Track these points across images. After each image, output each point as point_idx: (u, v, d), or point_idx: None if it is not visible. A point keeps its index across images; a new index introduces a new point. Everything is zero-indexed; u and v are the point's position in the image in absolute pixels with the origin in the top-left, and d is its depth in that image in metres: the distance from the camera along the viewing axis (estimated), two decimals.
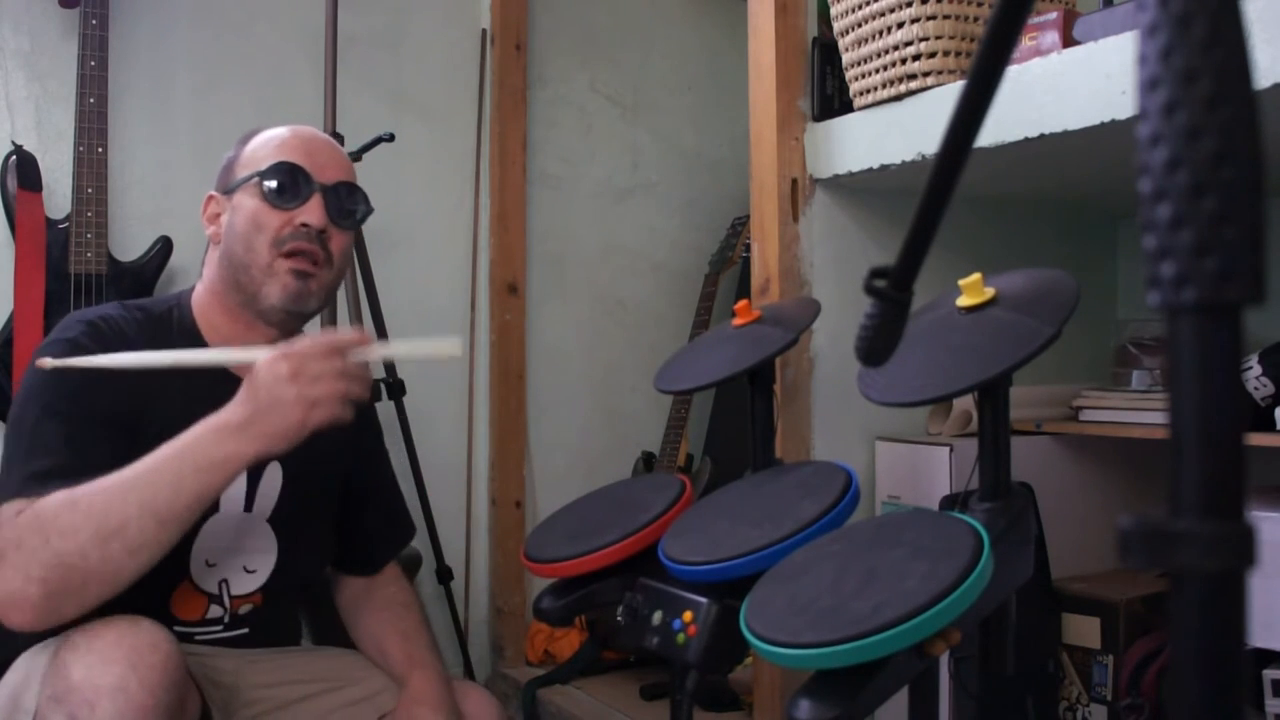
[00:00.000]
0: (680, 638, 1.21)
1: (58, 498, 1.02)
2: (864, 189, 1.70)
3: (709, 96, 2.73)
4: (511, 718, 2.14)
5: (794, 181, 1.65)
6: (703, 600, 1.21)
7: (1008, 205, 1.91)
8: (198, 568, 1.22)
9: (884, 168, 1.54)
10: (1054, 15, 1.37)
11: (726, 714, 1.94)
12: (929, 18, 1.45)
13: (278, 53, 2.20)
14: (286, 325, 1.25)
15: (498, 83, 2.41)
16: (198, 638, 1.23)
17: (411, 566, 2.09)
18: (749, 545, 1.17)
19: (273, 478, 1.27)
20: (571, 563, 1.35)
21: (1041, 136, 1.31)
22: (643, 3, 2.67)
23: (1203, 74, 0.36)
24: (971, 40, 1.47)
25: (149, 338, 1.21)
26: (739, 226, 2.48)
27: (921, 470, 1.63)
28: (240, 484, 1.24)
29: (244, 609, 1.26)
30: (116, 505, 1.00)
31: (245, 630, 1.26)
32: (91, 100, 1.86)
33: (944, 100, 1.44)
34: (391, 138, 2.04)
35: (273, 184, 1.21)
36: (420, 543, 2.05)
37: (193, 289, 1.30)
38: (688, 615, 1.22)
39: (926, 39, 1.46)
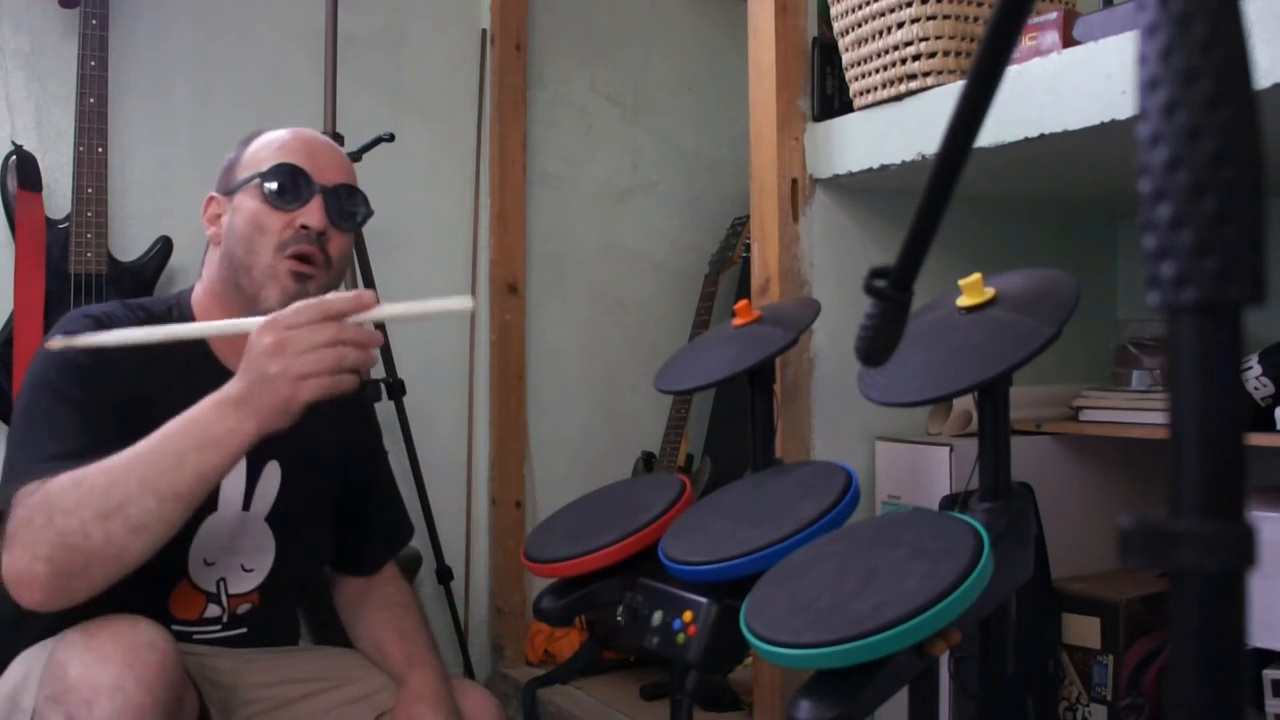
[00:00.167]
0: (680, 638, 1.21)
1: (64, 477, 1.01)
2: (864, 189, 1.70)
3: (709, 96, 2.73)
4: (511, 718, 2.14)
5: (794, 181, 1.65)
6: (703, 600, 1.21)
7: (1008, 205, 1.91)
8: (196, 567, 1.22)
9: (884, 168, 1.54)
10: (1054, 15, 1.37)
11: (726, 714, 1.94)
12: (929, 18, 1.45)
13: (278, 53, 2.20)
14: None
15: (498, 83, 2.41)
16: (196, 637, 1.23)
17: (411, 566, 2.09)
18: (749, 545, 1.17)
19: (271, 477, 1.27)
20: (571, 563, 1.35)
21: (1041, 136, 1.31)
22: (643, 3, 2.67)
23: (1203, 74, 0.36)
24: (971, 40, 1.47)
25: None
26: (739, 226, 2.48)
27: (921, 470, 1.63)
28: (239, 483, 1.24)
29: (242, 608, 1.26)
30: (118, 483, 0.99)
31: (243, 630, 1.26)
32: (91, 100, 1.86)
33: (944, 100, 1.44)
34: (391, 138, 2.04)
35: (273, 185, 1.21)
36: (420, 543, 2.05)
37: (192, 289, 1.30)
38: (688, 615, 1.22)
39: (926, 39, 1.46)
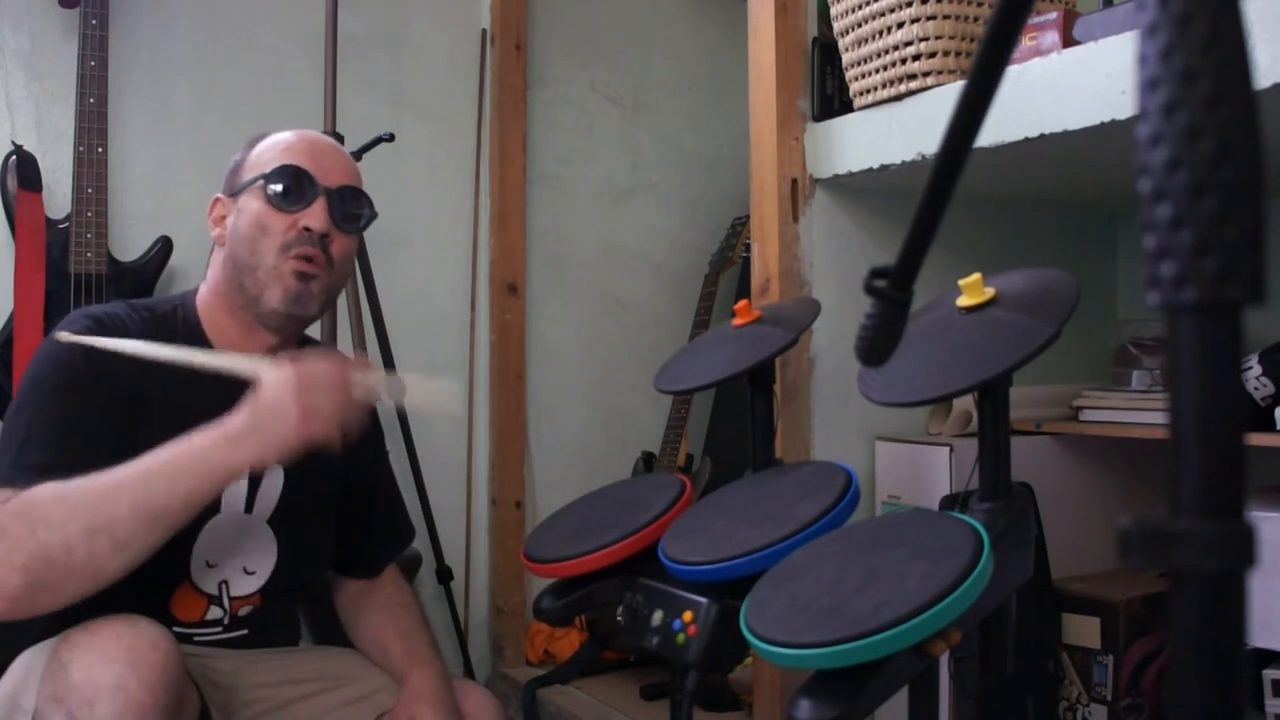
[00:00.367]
0: (680, 638, 1.21)
1: (48, 489, 1.01)
2: (864, 189, 1.70)
3: (709, 96, 2.73)
4: (511, 718, 2.14)
5: (794, 181, 1.65)
6: (703, 600, 1.21)
7: (1008, 205, 1.91)
8: (198, 569, 1.22)
9: (884, 168, 1.54)
10: (1054, 15, 1.37)
11: (726, 714, 1.94)
12: (929, 18, 1.45)
13: (278, 53, 2.20)
14: (286, 329, 1.25)
15: (498, 83, 2.41)
16: (197, 638, 1.23)
17: (411, 566, 2.09)
18: (749, 545, 1.17)
19: (273, 479, 1.27)
20: (571, 563, 1.35)
21: (1041, 136, 1.31)
22: (643, 3, 2.67)
23: (1203, 74, 0.36)
24: (971, 40, 1.47)
25: (152, 336, 1.21)
26: (739, 226, 2.48)
27: (921, 470, 1.63)
28: (241, 485, 1.24)
29: (243, 610, 1.26)
30: (108, 501, 1.00)
31: (244, 631, 1.26)
32: (91, 100, 1.85)
33: (944, 100, 1.44)
34: (391, 138, 2.04)
35: (277, 187, 1.21)
36: (420, 543, 2.05)
37: (196, 289, 1.30)
38: (688, 615, 1.22)
39: (926, 39, 1.46)
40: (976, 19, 1.48)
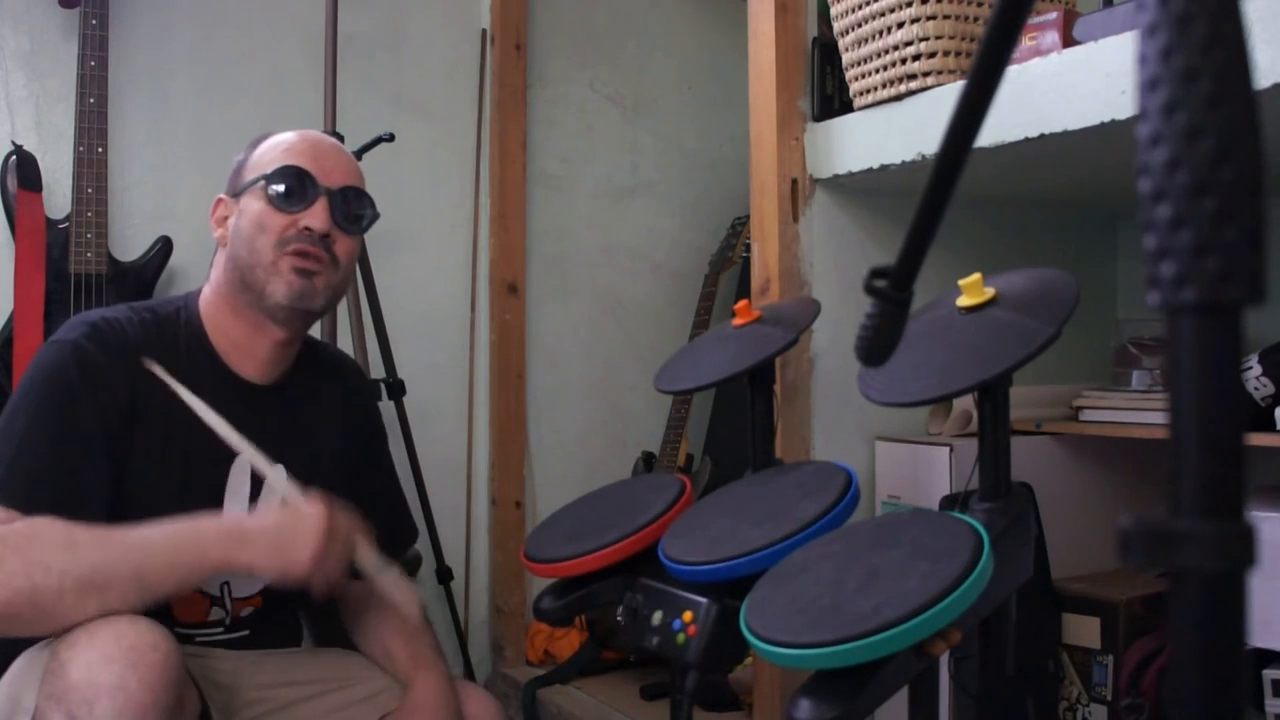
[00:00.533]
0: (680, 638, 1.21)
1: (56, 531, 1.04)
2: (864, 189, 1.70)
3: (709, 96, 2.73)
4: (512, 718, 2.14)
5: (794, 181, 1.65)
6: (703, 600, 1.21)
7: (1008, 205, 1.91)
8: None
9: (884, 168, 1.54)
10: (1054, 15, 1.37)
11: (726, 714, 1.94)
12: (929, 18, 1.45)
13: (278, 53, 2.20)
14: (293, 323, 1.25)
15: (498, 82, 2.41)
16: (198, 639, 1.23)
17: (411, 566, 2.08)
18: (749, 545, 1.17)
19: (276, 479, 1.26)
20: (571, 563, 1.35)
21: (1041, 136, 1.31)
22: (643, 3, 2.67)
23: (1203, 74, 0.36)
24: (971, 40, 1.47)
25: (154, 339, 1.21)
26: (739, 226, 2.48)
27: (921, 470, 1.63)
28: (244, 487, 1.24)
29: (245, 611, 1.26)
30: (109, 564, 1.03)
31: (246, 632, 1.26)
32: (91, 100, 1.85)
33: (944, 100, 1.44)
34: (391, 138, 2.04)
35: (279, 188, 1.21)
36: (420, 543, 2.05)
37: (200, 291, 1.30)
38: (688, 615, 1.21)
39: (926, 39, 1.46)
40: (976, 19, 1.47)
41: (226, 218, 1.26)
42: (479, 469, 2.44)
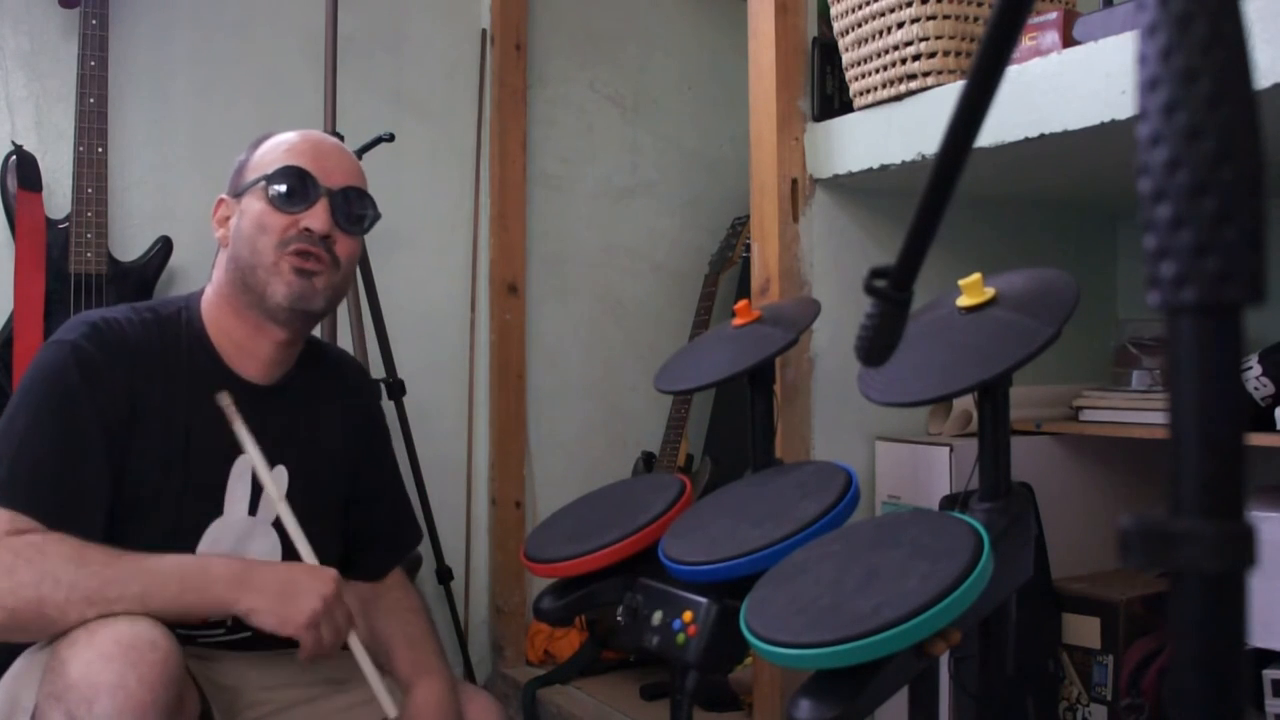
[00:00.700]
0: (680, 638, 1.21)
1: (65, 548, 1.05)
2: (864, 189, 1.70)
3: (709, 96, 2.73)
4: (512, 718, 2.14)
5: (794, 181, 1.65)
6: (703, 600, 1.21)
7: (1008, 205, 1.91)
8: None
9: (884, 168, 1.54)
10: (1054, 15, 1.37)
11: (726, 714, 1.94)
12: (929, 18, 1.45)
13: (278, 53, 2.20)
14: (294, 324, 1.24)
15: (498, 82, 2.41)
16: (200, 640, 1.23)
17: (411, 567, 2.08)
18: (749, 545, 1.17)
19: (278, 481, 1.26)
20: (571, 563, 1.35)
21: (1041, 136, 1.31)
22: (643, 3, 2.67)
23: (1203, 74, 0.36)
24: (971, 40, 1.47)
25: (155, 340, 1.21)
26: (739, 226, 2.48)
27: (921, 470, 1.63)
28: (245, 487, 1.24)
29: None
30: (118, 584, 1.04)
31: (248, 634, 1.26)
32: (91, 100, 1.85)
33: (944, 100, 1.44)
34: (391, 138, 2.04)
35: (280, 188, 1.21)
36: (420, 543, 2.05)
37: (202, 291, 1.30)
38: (688, 615, 1.21)
39: (926, 39, 1.46)
40: (976, 19, 1.47)
41: (228, 218, 1.26)
42: (479, 469, 2.44)
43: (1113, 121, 1.23)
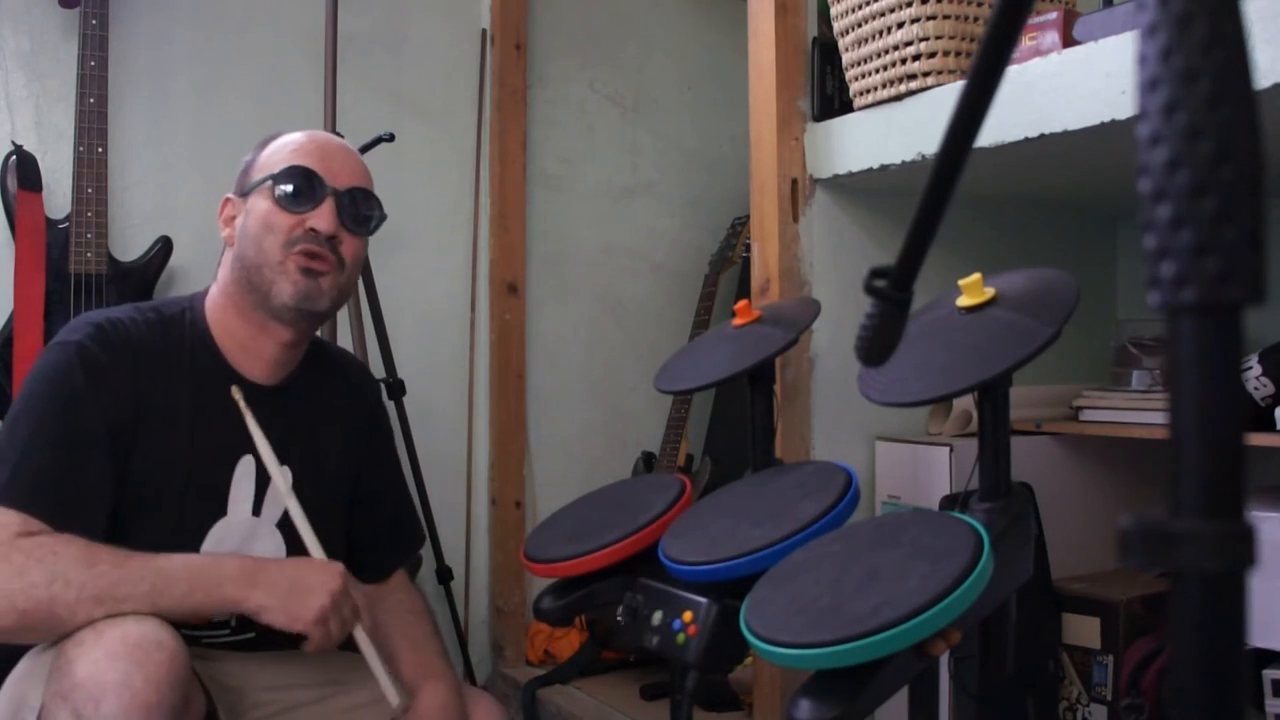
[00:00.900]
0: (680, 638, 1.21)
1: (75, 548, 1.06)
2: (864, 189, 1.70)
3: (709, 96, 2.73)
4: (512, 718, 2.14)
5: (794, 181, 1.65)
6: (703, 600, 1.21)
7: (1008, 205, 1.91)
8: None
9: (884, 168, 1.54)
10: (1054, 15, 1.37)
11: (726, 714, 1.94)
12: (929, 18, 1.45)
13: (278, 53, 2.20)
14: (299, 324, 1.24)
15: (498, 82, 2.41)
16: (205, 640, 1.23)
17: (411, 567, 2.08)
18: (749, 545, 1.17)
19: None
20: (571, 563, 1.35)
21: (1041, 136, 1.31)
22: (643, 3, 2.67)
23: (1203, 74, 0.36)
24: (971, 40, 1.47)
25: (159, 340, 1.21)
26: (739, 226, 2.48)
27: (921, 470, 1.63)
28: (249, 488, 1.24)
29: None
30: (128, 584, 1.05)
31: (252, 634, 1.26)
32: (91, 100, 1.85)
33: (944, 100, 1.44)
34: (391, 138, 2.04)
35: (286, 188, 1.21)
36: (424, 545, 2.05)
37: (206, 290, 1.29)
38: (688, 615, 1.21)
39: (926, 39, 1.46)
40: (976, 19, 1.47)
41: (234, 218, 1.26)
42: (479, 469, 2.44)
43: (1113, 121, 1.22)
